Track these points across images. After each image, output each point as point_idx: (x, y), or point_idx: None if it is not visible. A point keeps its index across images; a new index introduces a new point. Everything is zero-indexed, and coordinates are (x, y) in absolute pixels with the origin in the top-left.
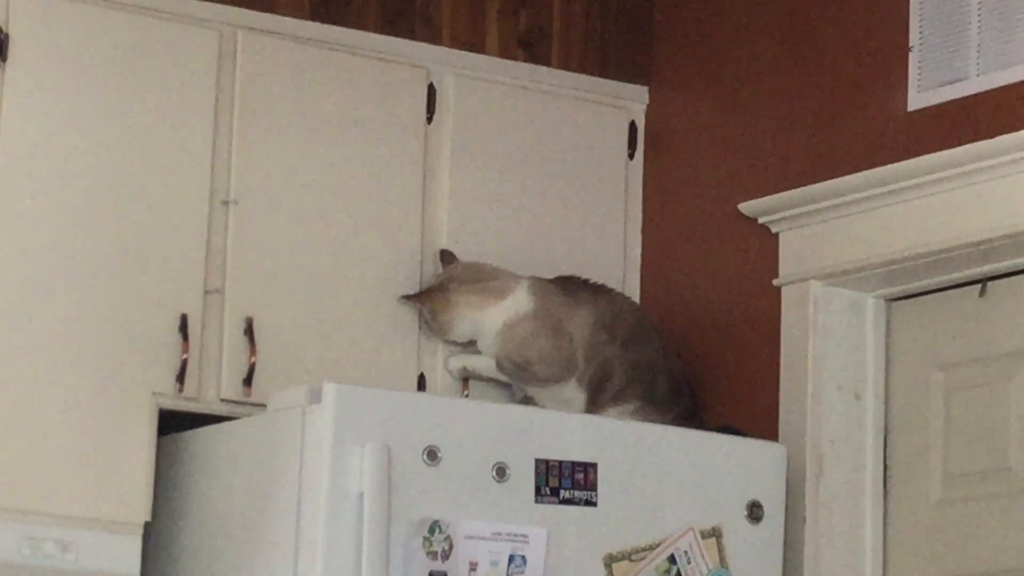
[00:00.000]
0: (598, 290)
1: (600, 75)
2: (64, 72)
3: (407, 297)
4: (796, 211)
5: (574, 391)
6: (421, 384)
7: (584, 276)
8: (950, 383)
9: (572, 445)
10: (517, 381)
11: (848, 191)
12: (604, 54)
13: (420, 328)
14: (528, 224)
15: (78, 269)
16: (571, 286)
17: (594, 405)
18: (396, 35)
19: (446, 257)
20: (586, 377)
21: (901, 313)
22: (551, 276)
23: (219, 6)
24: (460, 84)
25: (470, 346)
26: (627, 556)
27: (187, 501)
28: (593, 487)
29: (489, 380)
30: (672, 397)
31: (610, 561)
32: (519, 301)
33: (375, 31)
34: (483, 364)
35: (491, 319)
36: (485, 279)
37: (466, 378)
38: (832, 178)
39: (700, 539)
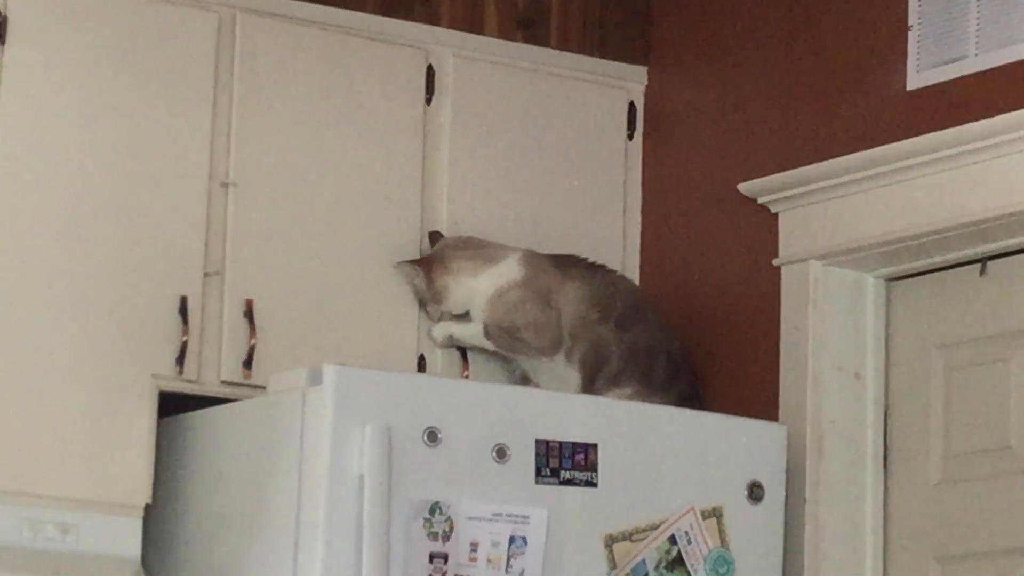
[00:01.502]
0: (594, 268)
1: (599, 55)
2: (63, 54)
3: (404, 263)
4: (796, 191)
5: (565, 368)
6: (421, 365)
7: (584, 256)
8: (950, 363)
9: (572, 426)
10: (504, 349)
11: (848, 171)
12: (603, 34)
13: (420, 309)
14: (527, 205)
15: (78, 252)
16: (565, 262)
17: (591, 387)
18: (395, 16)
19: (434, 238)
20: (576, 355)
21: (901, 293)
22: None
23: None
24: (459, 65)
25: (463, 319)
26: (628, 537)
27: (187, 483)
28: (594, 468)
29: (482, 352)
30: (671, 380)
31: (611, 542)
32: (510, 268)
33: (374, 12)
34: (469, 332)
35: (484, 285)
36: (479, 247)
37: (452, 346)
38: (832, 158)
39: (701, 519)
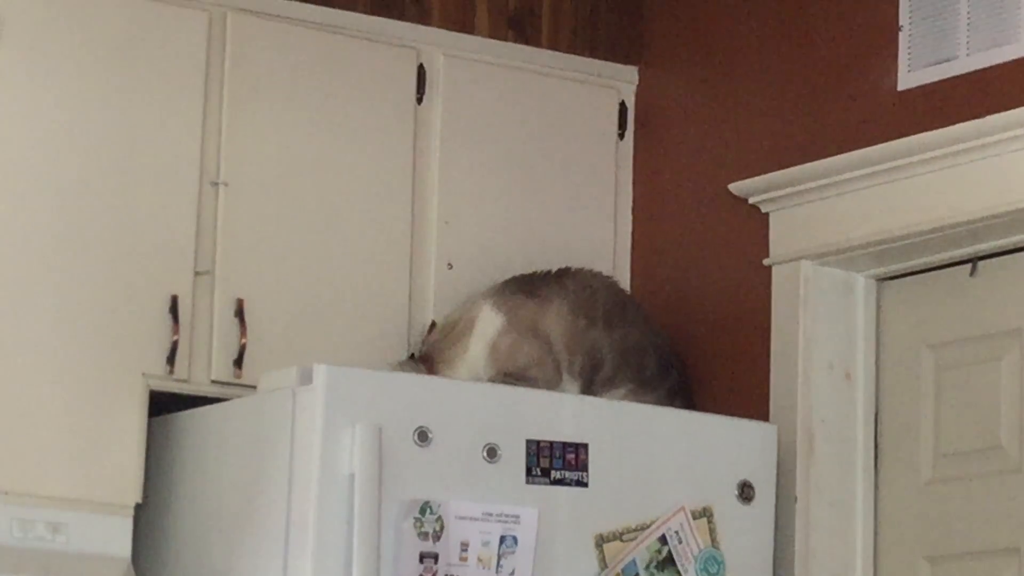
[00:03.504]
0: (561, 276)
1: (590, 55)
2: (56, 54)
3: (406, 362)
4: (787, 191)
5: (569, 384)
6: None
7: (541, 268)
8: (940, 362)
9: (563, 426)
10: None
11: (839, 171)
12: (594, 34)
13: (410, 307)
14: (518, 204)
15: (69, 251)
16: (533, 284)
17: (588, 392)
18: (386, 16)
19: (432, 329)
20: (576, 368)
21: (891, 292)
22: (541, 255)
23: None
24: (450, 65)
25: None
26: (618, 536)
27: (178, 483)
28: (584, 467)
29: None
30: (661, 374)
31: (601, 541)
32: (489, 320)
33: (365, 12)
34: None
35: (476, 351)
36: (452, 323)
37: None
38: (823, 158)
39: (691, 519)
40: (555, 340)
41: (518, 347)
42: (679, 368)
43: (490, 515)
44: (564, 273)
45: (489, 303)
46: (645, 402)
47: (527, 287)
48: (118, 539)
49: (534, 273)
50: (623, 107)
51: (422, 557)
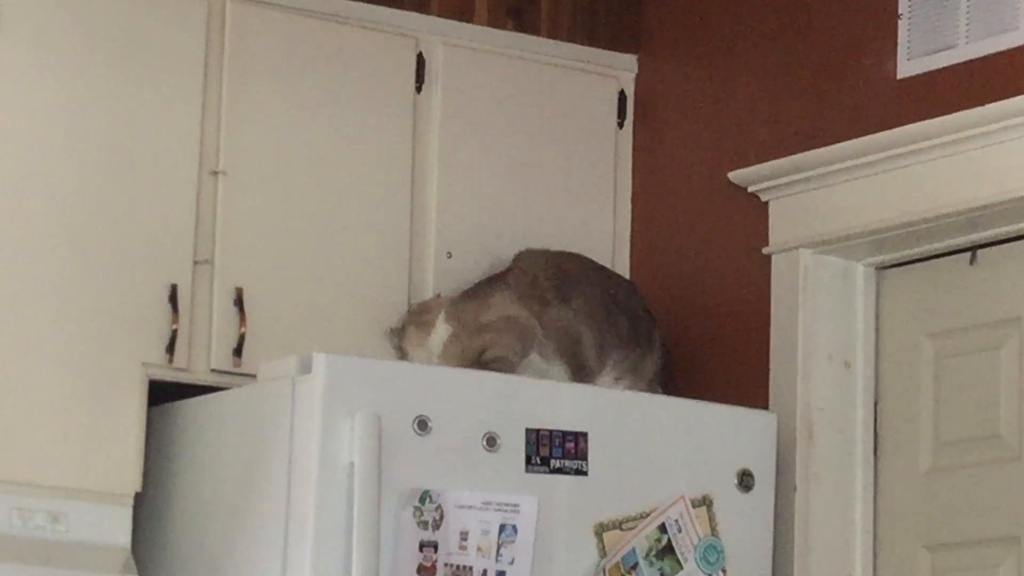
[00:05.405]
0: (504, 272)
1: (589, 44)
2: (55, 44)
3: (392, 331)
4: (786, 179)
5: (547, 367)
6: None
7: (490, 273)
8: (940, 351)
9: (562, 414)
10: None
11: (838, 159)
12: (593, 23)
13: (409, 296)
14: (517, 193)
15: (68, 240)
16: (478, 288)
17: (583, 376)
18: (385, 4)
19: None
20: (550, 349)
21: (891, 281)
22: (540, 244)
23: None
24: (449, 54)
25: None
26: (618, 525)
27: (177, 472)
28: (584, 456)
29: None
30: (634, 326)
31: (601, 530)
32: (442, 330)
33: (364, 0)
34: None
35: (433, 355)
36: (425, 309)
37: None
38: (822, 146)
39: (691, 508)
40: (514, 323)
41: (467, 345)
42: (642, 302)
43: (489, 504)
44: (507, 269)
45: (442, 314)
46: (635, 359)
47: (472, 292)
48: (118, 528)
49: (482, 279)
50: (622, 96)
51: (421, 546)
